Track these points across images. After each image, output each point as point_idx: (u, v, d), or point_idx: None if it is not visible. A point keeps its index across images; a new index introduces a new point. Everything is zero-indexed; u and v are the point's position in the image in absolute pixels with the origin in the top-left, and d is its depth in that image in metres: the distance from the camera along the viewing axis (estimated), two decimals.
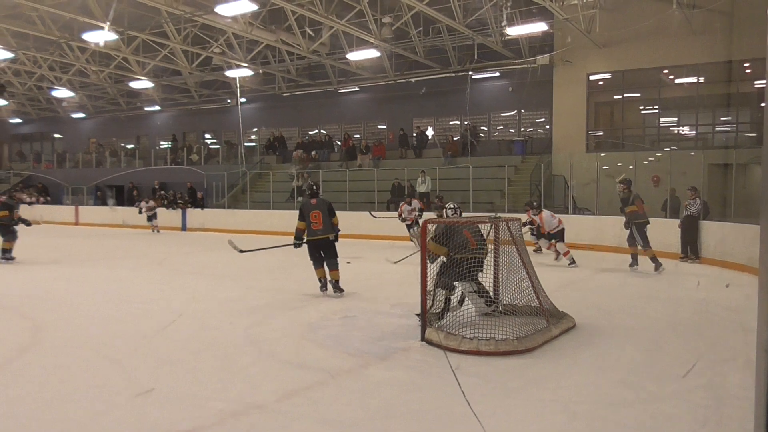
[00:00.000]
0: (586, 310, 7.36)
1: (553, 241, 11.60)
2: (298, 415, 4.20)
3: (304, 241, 8.22)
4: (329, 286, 8.33)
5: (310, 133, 26.08)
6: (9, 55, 20.64)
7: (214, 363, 5.30)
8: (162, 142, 30.24)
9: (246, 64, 21.27)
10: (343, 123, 25.19)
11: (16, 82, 26.23)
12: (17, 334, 6.30)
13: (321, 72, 23.86)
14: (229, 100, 27.15)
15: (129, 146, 30.89)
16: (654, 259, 10.76)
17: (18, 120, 33.63)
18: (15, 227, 12.02)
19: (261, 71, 23.12)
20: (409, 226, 15.00)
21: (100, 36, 17.66)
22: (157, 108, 29.37)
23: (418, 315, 6.39)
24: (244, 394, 4.56)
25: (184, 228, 22.08)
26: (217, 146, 27.57)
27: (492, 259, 6.44)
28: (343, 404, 4.39)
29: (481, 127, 22.08)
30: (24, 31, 18.78)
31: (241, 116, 24.27)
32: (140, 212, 21.14)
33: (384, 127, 24.25)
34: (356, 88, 23.99)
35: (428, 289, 6.01)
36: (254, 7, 15.12)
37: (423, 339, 5.99)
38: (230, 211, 21.67)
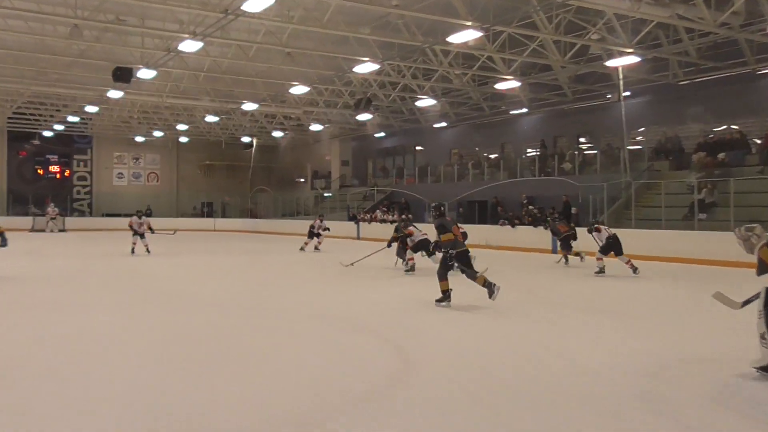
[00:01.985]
0: None
1: None
2: None
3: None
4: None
5: (714, 130, 21.98)
6: (375, 66, 20.83)
7: None
8: (529, 150, 28.75)
9: (631, 50, 18.73)
10: (763, 115, 19.68)
11: (380, 94, 26.07)
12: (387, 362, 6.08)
13: (733, 50, 19.61)
14: (609, 95, 24.43)
15: (492, 156, 29.83)
16: None
17: (381, 134, 34.13)
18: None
19: (650, 56, 20.30)
20: None
21: (465, 36, 17.00)
22: (524, 111, 27.82)
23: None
24: None
25: (554, 250, 19.53)
26: (594, 152, 25.20)
27: None
28: None
29: None
30: (390, 40, 18.98)
31: (624, 114, 21.18)
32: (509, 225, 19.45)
33: None
34: None
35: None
36: None
37: None
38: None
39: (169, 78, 23.57)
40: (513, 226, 21.87)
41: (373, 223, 26.82)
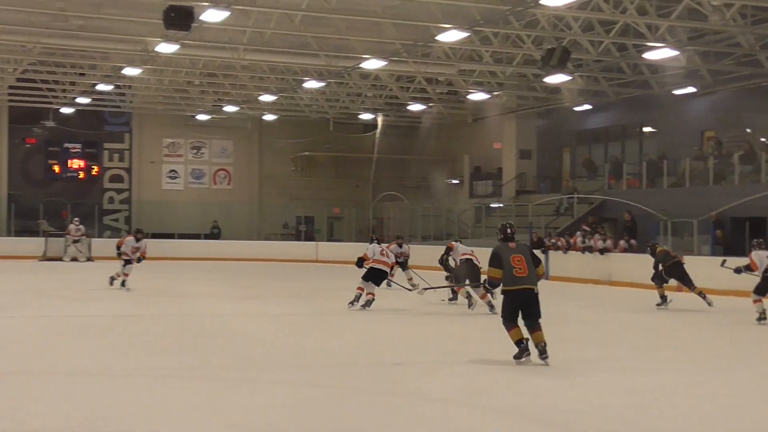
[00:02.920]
0: None
1: None
2: None
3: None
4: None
5: None
6: None
7: None
8: None
9: None
10: None
11: (585, 41, 22.59)
12: None
13: None
14: None
15: None
16: None
17: (585, 107, 29.46)
18: None
19: None
20: None
21: None
22: None
23: None
24: None
25: None
26: None
27: None
28: None
29: None
30: None
31: None
32: None
33: None
34: None
35: None
36: None
37: None
38: None
39: (248, 22, 21.35)
40: None
41: (571, 253, 23.76)
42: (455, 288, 13.91)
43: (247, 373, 7.87)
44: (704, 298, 13.76)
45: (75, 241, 28.03)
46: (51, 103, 32.00)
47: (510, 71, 25.80)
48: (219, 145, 36.87)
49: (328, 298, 17.25)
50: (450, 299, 14.26)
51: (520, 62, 24.59)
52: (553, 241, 24.61)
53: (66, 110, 32.54)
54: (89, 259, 27.80)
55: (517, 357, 7.97)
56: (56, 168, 34.49)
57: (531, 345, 8.04)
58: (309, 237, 35.12)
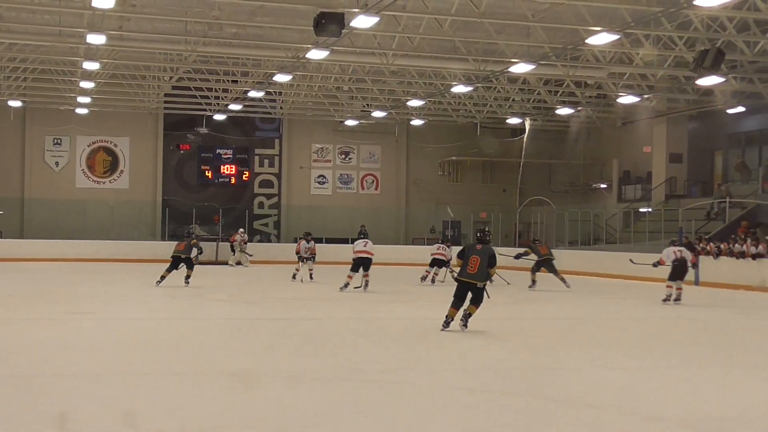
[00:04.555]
0: None
1: None
2: None
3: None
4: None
5: None
6: None
7: None
8: None
9: None
10: None
11: (739, 42, 21.65)
12: None
13: None
14: None
15: None
16: None
17: (739, 109, 28.34)
18: None
19: None
20: None
21: None
22: None
23: None
24: None
25: None
26: None
27: None
28: None
29: None
30: None
31: None
32: None
33: None
34: None
35: None
36: None
37: None
38: None
39: (397, 27, 21.18)
40: None
41: (722, 258, 22.83)
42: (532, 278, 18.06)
43: (401, 375, 7.74)
44: None
45: (240, 249, 27.34)
46: (205, 110, 31.60)
47: (661, 74, 24.79)
48: (367, 150, 36.25)
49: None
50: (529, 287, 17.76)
51: (672, 64, 23.63)
52: (703, 246, 23.65)
53: (219, 117, 32.18)
54: (239, 263, 26.95)
55: (443, 327, 10.15)
56: (208, 173, 33.94)
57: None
58: (456, 241, 33.28)
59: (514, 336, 10.62)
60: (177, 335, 10.38)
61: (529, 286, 17.96)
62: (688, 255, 15.50)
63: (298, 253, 19.21)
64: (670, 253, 15.31)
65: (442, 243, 19.37)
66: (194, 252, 16.22)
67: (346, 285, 16.23)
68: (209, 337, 9.82)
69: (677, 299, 15.02)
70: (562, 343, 9.93)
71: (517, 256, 19.13)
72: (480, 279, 10.12)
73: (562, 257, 26.20)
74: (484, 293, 10.22)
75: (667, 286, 15.41)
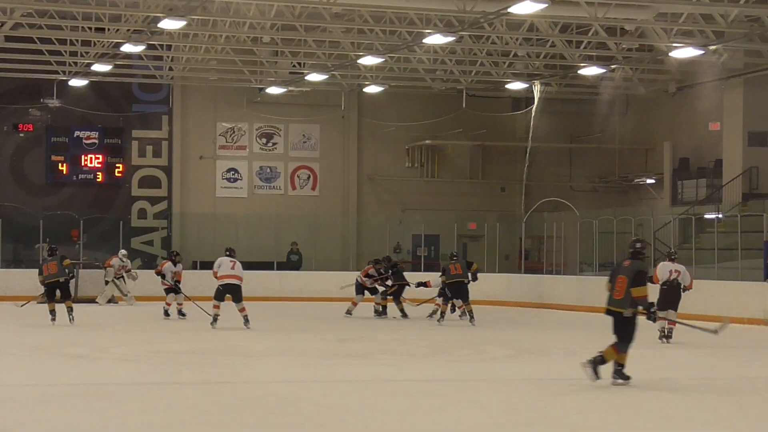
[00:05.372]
0: None
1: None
2: None
3: None
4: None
5: None
6: None
7: None
8: None
9: None
10: None
11: None
12: None
13: None
14: None
15: None
16: None
17: None
18: None
19: None
20: None
21: None
22: None
23: None
24: None
25: None
26: None
27: None
28: None
29: None
30: None
31: None
32: None
33: None
34: None
35: None
36: None
37: None
38: None
39: None
40: None
41: None
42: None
43: None
44: None
45: (125, 274, 23.51)
46: (57, 73, 26.83)
47: (735, 13, 20.95)
48: (299, 131, 30.84)
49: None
50: None
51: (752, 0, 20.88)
52: None
53: (77, 83, 27.35)
54: (112, 300, 23.17)
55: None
56: (62, 167, 28.65)
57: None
58: (431, 266, 28.70)
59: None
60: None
61: (400, 317, 18.31)
62: (686, 277, 14.28)
63: (159, 273, 18.51)
64: (665, 271, 14.38)
65: (376, 263, 19.26)
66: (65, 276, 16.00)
67: (215, 318, 15.53)
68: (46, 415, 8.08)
69: (668, 336, 14.12)
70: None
71: (418, 285, 18.92)
72: (623, 305, 9.38)
73: (589, 286, 23.72)
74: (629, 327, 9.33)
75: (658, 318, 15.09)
